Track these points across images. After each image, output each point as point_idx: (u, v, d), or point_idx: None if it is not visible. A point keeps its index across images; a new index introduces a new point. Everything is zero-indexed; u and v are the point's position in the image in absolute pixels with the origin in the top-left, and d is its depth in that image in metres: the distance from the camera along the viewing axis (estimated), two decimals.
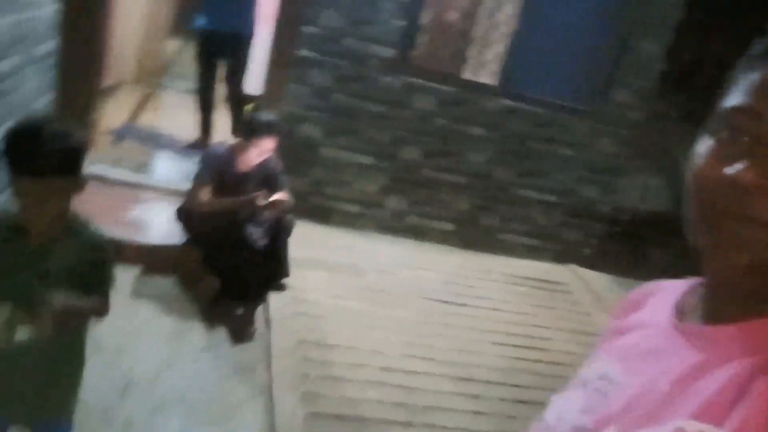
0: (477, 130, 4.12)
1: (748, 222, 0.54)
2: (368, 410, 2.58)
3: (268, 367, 2.69)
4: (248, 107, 4.17)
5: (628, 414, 0.61)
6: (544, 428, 0.72)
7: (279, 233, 3.11)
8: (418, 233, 4.20)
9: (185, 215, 3.10)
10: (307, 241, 3.73)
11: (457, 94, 4.04)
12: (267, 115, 3.08)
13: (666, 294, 0.72)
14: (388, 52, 3.90)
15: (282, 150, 3.83)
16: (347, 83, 3.90)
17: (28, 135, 1.34)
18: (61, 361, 1.53)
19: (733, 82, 0.60)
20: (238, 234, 2.98)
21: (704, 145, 0.59)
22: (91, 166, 3.75)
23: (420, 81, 3.98)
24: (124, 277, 3.07)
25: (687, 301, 0.68)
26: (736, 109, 0.57)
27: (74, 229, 1.45)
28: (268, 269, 3.11)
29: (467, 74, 4.08)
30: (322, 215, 4.06)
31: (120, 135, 4.50)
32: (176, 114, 5.40)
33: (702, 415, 0.54)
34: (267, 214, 3.06)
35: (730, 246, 0.56)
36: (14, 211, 1.41)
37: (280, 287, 3.19)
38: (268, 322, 2.99)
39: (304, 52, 3.81)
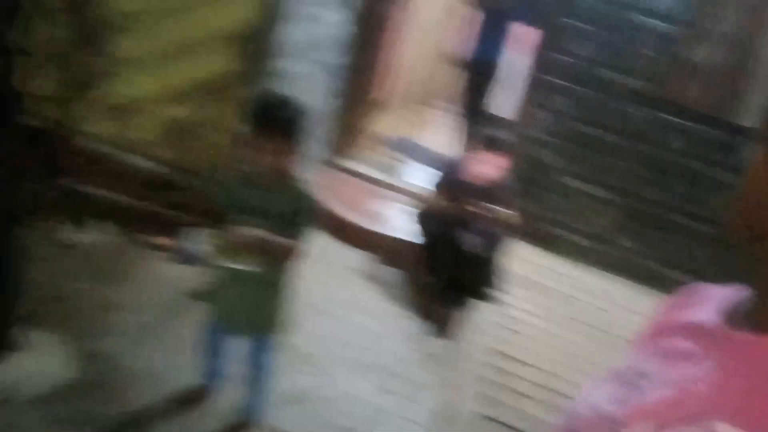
0: (733, 178, 3.76)
1: None
2: (538, 430, 2.60)
3: (456, 363, 2.87)
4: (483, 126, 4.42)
5: (662, 410, 0.62)
6: (573, 415, 0.74)
7: (495, 246, 3.28)
8: (648, 278, 3.96)
9: (418, 217, 3.44)
10: (526, 262, 3.84)
11: (716, 135, 3.76)
12: (500, 133, 3.27)
13: (714, 299, 0.72)
14: (640, 85, 3.81)
15: (518, 172, 3.99)
16: (593, 113, 3.91)
17: (266, 107, 1.78)
18: (268, 290, 1.95)
19: None
20: (457, 240, 3.22)
21: (764, 157, 0.59)
22: (353, 163, 4.37)
23: (673, 117, 3.80)
24: (359, 260, 3.54)
25: (735, 308, 0.68)
26: None
27: (291, 184, 1.87)
28: (478, 277, 3.30)
29: (732, 116, 3.76)
30: (547, 241, 4.10)
31: (386, 142, 5.09)
32: (443, 132, 5.88)
33: (738, 420, 0.54)
34: (487, 226, 3.26)
35: None
36: (251, 165, 1.87)
37: (487, 297, 3.34)
38: (467, 325, 3.17)
39: (553, 79, 3.93)
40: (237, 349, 2.15)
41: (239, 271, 1.85)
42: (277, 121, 1.75)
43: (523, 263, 3.79)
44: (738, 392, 0.57)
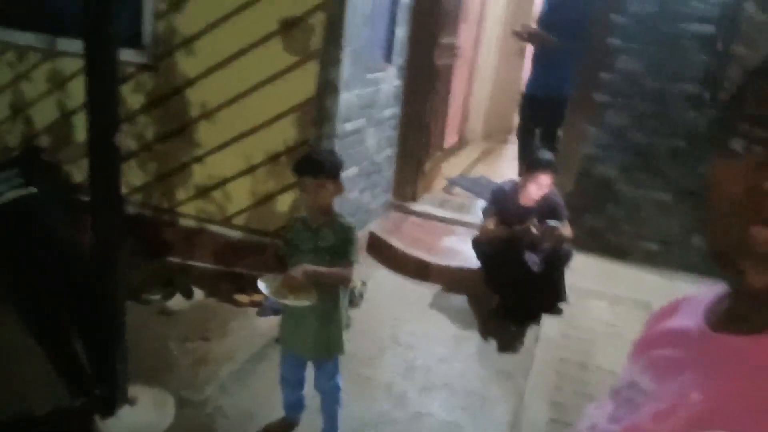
0: None
1: None
2: None
3: (526, 376, 2.99)
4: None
5: (657, 425, 0.61)
6: None
7: (556, 261, 3.41)
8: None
9: (476, 243, 3.64)
10: (598, 274, 3.89)
11: None
12: (544, 154, 3.44)
13: (696, 303, 0.71)
14: (692, 89, 3.84)
15: (582, 189, 4.11)
16: (646, 122, 3.97)
17: (310, 155, 2.13)
18: (327, 317, 2.23)
19: (743, 96, 0.60)
20: (516, 259, 3.38)
21: (719, 160, 0.59)
22: (421, 206, 4.64)
23: None
24: (428, 292, 3.77)
25: (716, 310, 0.67)
26: (747, 119, 0.57)
27: (334, 220, 2.19)
28: (542, 293, 3.43)
29: None
30: (618, 252, 4.12)
31: (451, 183, 5.33)
32: (510, 166, 6.05)
33: (733, 425, 0.53)
34: (545, 243, 3.40)
35: (755, 268, 0.55)
36: (302, 213, 2.19)
37: (556, 311, 3.44)
38: (537, 339, 3.28)
39: (601, 97, 4.05)
40: (312, 379, 2.44)
41: (297, 306, 2.15)
42: (310, 164, 2.12)
43: (593, 274, 3.85)
44: (728, 396, 0.56)
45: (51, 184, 2.70)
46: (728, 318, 0.64)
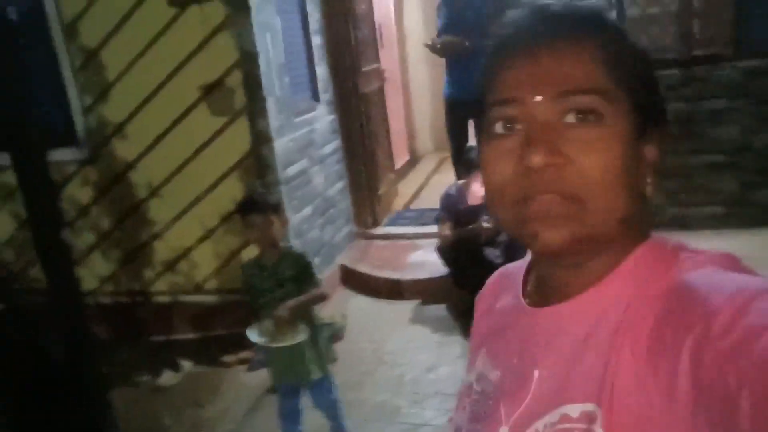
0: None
1: (554, 199, 0.55)
2: None
3: None
4: None
5: (511, 410, 0.61)
6: None
7: (515, 251, 3.52)
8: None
9: (437, 251, 3.75)
10: None
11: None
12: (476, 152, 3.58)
13: (511, 278, 0.72)
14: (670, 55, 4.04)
15: None
16: None
17: (252, 196, 2.32)
18: (311, 338, 2.32)
19: (486, 81, 0.62)
20: (477, 256, 3.49)
21: (486, 146, 0.60)
22: (384, 228, 4.74)
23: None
24: (405, 308, 3.86)
25: (530, 283, 0.68)
26: (500, 103, 0.59)
27: (286, 252, 2.35)
28: None
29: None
30: None
31: (393, 219, 5.34)
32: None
33: (577, 395, 0.54)
34: (501, 236, 3.52)
35: (547, 229, 0.56)
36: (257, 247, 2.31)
37: None
38: None
39: None
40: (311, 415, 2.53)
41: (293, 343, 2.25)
42: (255, 203, 2.28)
43: None
44: (564, 369, 0.56)
45: (10, 298, 2.78)
46: (541, 289, 0.65)
